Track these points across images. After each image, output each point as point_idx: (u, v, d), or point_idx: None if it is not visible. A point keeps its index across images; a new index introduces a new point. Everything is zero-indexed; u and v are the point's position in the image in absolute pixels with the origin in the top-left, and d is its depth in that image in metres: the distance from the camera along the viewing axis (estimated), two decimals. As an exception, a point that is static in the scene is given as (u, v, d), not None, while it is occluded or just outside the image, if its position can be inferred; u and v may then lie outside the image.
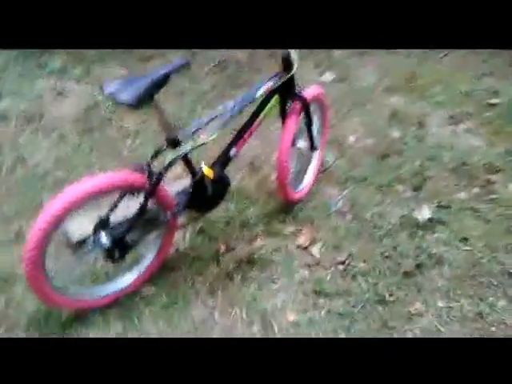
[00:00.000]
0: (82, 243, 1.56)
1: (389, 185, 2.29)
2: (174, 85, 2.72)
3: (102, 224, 1.49)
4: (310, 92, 1.90)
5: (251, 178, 2.21)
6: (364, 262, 1.91)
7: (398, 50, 3.30)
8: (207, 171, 1.56)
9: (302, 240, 1.98)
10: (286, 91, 1.78)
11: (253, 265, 1.84)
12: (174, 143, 1.48)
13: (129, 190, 1.44)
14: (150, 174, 1.45)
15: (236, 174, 2.23)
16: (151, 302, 1.68)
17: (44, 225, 1.30)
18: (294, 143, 1.97)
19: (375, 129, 2.69)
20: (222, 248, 1.88)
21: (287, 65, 1.71)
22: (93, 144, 2.24)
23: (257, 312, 1.70)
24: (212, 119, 1.59)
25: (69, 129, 2.29)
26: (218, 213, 2.01)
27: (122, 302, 1.65)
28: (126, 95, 1.24)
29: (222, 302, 1.71)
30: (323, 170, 2.34)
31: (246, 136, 1.72)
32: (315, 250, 1.96)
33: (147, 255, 1.71)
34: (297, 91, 1.80)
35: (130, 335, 1.56)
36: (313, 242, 1.98)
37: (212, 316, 1.66)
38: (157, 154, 1.51)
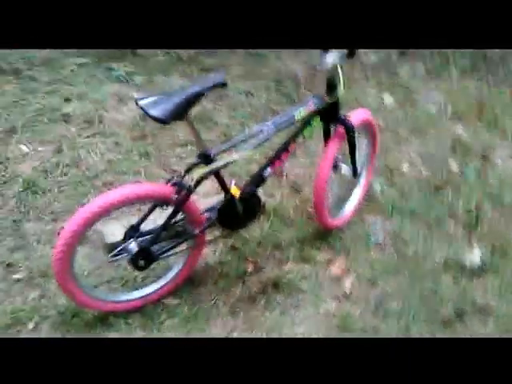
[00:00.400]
0: (113, 247, 1.61)
1: (439, 221, 2.14)
2: (229, 97, 2.77)
3: (132, 231, 1.53)
4: (355, 116, 1.83)
5: (291, 199, 2.16)
6: (399, 302, 1.80)
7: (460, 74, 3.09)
8: (234, 190, 1.55)
9: (335, 270, 1.91)
10: (330, 114, 1.73)
11: (279, 289, 1.80)
12: (206, 159, 1.49)
13: (158, 201, 1.47)
14: (181, 187, 1.46)
15: (276, 193, 2.20)
16: (173, 314, 1.69)
17: (74, 227, 1.36)
18: (336, 168, 1.91)
19: (433, 159, 2.53)
20: (250, 268, 1.86)
21: (331, 86, 1.66)
22: (143, 151, 2.32)
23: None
24: (249, 137, 1.58)
25: (123, 135, 2.39)
26: (252, 231, 1.99)
27: (146, 310, 1.68)
28: (157, 111, 1.27)
29: (243, 324, 1.68)
30: (368, 199, 2.23)
31: (283, 157, 1.69)
32: (347, 281, 1.87)
33: (174, 267, 1.73)
34: (341, 115, 1.74)
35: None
36: (346, 273, 1.90)
37: (231, 337, 1.64)
38: (190, 169, 1.52)
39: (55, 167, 2.20)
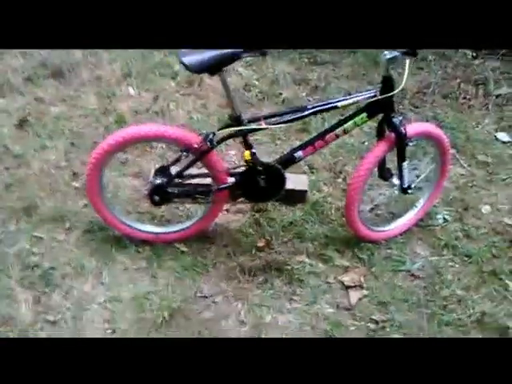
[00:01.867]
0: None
1: (496, 275, 1.83)
2: (326, 93, 2.75)
3: (160, 171, 1.67)
4: (414, 127, 1.67)
5: (338, 199, 2.07)
6: (403, 335, 1.61)
7: None
8: (247, 155, 1.57)
9: (348, 279, 1.79)
10: (379, 113, 1.62)
11: (281, 274, 1.77)
12: (236, 121, 1.55)
13: (182, 146, 1.58)
14: (207, 137, 1.55)
15: (325, 189, 2.13)
16: (176, 258, 1.80)
17: (104, 147, 1.57)
18: (387, 176, 1.78)
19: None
20: (262, 243, 1.86)
21: (388, 84, 1.55)
22: (222, 119, 2.45)
23: (254, 317, 1.64)
24: (286, 113, 1.59)
25: (213, 100, 2.59)
26: (282, 214, 1.99)
27: (156, 246, 1.82)
28: (188, 60, 1.37)
29: (231, 291, 1.71)
30: (423, 225, 2.01)
31: (316, 144, 1.64)
32: (355, 295, 1.74)
33: (192, 218, 1.84)
34: (396, 119, 1.61)
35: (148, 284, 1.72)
36: (358, 286, 1.77)
37: (213, 298, 1.68)
38: (222, 128, 1.60)
39: (145, 111, 2.49)
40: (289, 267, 1.79)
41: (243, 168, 1.68)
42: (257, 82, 2.77)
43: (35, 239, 1.81)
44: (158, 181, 1.63)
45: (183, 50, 1.42)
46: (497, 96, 2.75)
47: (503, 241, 1.97)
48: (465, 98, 2.75)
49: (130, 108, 2.51)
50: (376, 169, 1.77)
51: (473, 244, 1.95)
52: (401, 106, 2.69)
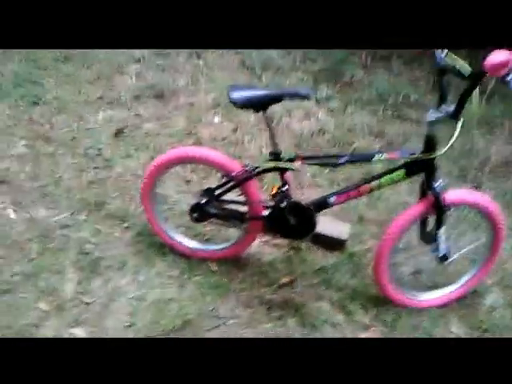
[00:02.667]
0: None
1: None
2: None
3: (207, 191, 1.83)
4: (457, 194, 1.59)
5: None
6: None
7: None
8: (274, 189, 1.65)
9: (363, 336, 1.72)
10: (419, 173, 1.58)
11: (297, 315, 1.78)
12: (275, 157, 1.65)
13: (223, 172, 1.73)
14: (246, 166, 1.68)
15: (367, 243, 2.10)
16: (205, 275, 1.92)
17: (158, 162, 1.79)
18: (426, 240, 1.71)
19: None
20: (285, 280, 1.89)
21: (430, 144, 1.51)
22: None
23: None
24: (322, 158, 1.65)
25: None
26: (316, 258, 2.01)
27: (192, 260, 1.97)
28: (235, 96, 1.52)
29: (244, 319, 1.77)
30: (466, 304, 1.85)
31: (351, 193, 1.65)
32: (367, 355, 1.67)
33: (229, 241, 1.96)
34: (436, 184, 1.56)
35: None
36: (372, 347, 1.69)
37: (225, 320, 1.76)
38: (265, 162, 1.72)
39: (221, 139, 2.74)
40: (306, 310, 1.79)
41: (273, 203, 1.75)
42: (332, 128, 2.85)
43: (95, 231, 2.09)
44: (200, 200, 1.79)
45: (233, 86, 1.59)
46: None
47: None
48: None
49: (210, 134, 2.77)
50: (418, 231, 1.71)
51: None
52: (479, 173, 2.54)
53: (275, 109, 2.97)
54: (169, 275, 1.92)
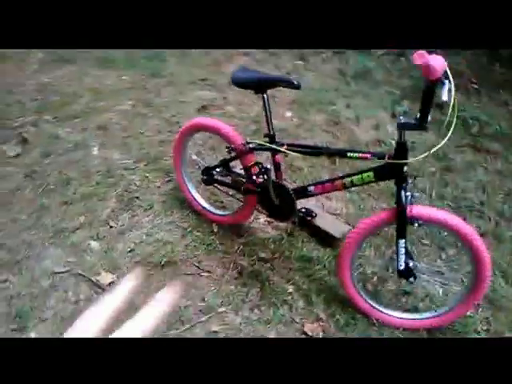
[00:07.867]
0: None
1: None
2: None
3: (222, 161, 2.09)
4: (426, 210, 1.53)
5: (370, 259, 2.00)
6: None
7: None
8: (254, 165, 1.81)
9: (310, 327, 1.78)
10: (388, 178, 1.57)
11: (261, 287, 1.92)
12: (270, 138, 1.82)
13: (228, 142, 1.95)
14: (247, 143, 1.88)
15: (365, 247, 2.08)
16: (205, 232, 2.19)
17: (183, 128, 2.12)
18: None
19: None
20: (264, 255, 2.03)
21: (400, 151, 1.49)
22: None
23: (209, 308, 1.86)
24: (309, 147, 1.77)
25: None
26: (306, 246, 2.09)
27: (200, 219, 2.26)
28: (237, 76, 1.74)
29: (217, 275, 1.99)
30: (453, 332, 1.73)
31: (326, 186, 1.71)
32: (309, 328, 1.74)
33: (229, 210, 2.19)
34: (403, 194, 1.52)
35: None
36: (316, 330, 1.75)
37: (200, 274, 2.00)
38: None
39: (278, 130, 2.94)
40: (272, 287, 1.91)
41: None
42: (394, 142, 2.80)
43: (144, 177, 2.54)
44: (210, 164, 2.07)
45: (241, 68, 1.80)
46: None
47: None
48: None
49: (275, 125, 2.99)
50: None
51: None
52: None
53: (348, 115, 3.05)
54: (178, 225, 2.25)
